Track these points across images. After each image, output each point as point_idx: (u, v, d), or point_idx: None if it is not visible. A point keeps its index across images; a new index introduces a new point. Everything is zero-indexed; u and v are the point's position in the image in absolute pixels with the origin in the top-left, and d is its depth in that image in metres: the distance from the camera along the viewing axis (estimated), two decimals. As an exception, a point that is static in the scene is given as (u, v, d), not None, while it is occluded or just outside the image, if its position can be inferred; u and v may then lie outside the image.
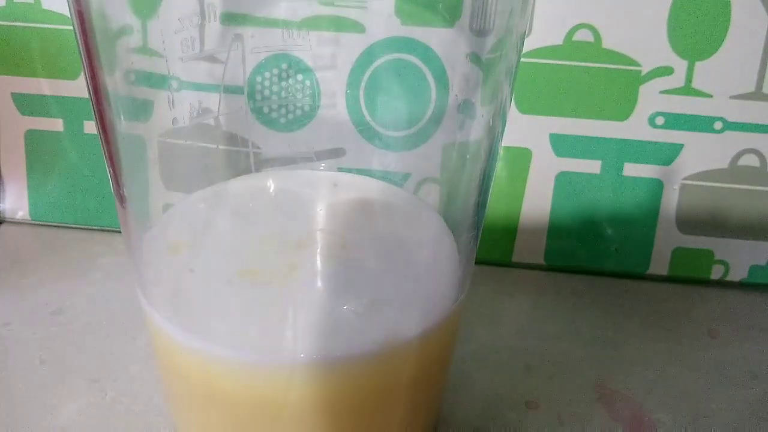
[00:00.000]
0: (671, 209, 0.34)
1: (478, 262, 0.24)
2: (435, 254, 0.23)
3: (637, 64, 0.32)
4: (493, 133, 0.21)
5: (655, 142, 0.33)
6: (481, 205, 0.22)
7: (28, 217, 0.36)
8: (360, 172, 0.26)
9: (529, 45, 0.32)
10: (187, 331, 0.20)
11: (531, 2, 0.22)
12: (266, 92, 0.26)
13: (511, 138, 0.33)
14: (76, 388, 0.27)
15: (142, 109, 0.22)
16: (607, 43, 0.32)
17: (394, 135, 0.26)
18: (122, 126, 0.20)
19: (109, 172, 0.20)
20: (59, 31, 0.33)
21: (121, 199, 0.20)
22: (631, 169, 0.34)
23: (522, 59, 0.31)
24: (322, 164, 0.26)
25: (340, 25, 0.25)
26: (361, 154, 0.27)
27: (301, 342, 0.19)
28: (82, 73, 0.21)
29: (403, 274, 0.22)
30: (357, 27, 0.26)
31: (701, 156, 0.33)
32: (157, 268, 0.22)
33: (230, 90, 0.25)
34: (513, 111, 0.33)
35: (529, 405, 0.28)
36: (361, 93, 0.26)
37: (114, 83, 0.20)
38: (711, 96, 0.32)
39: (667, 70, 0.32)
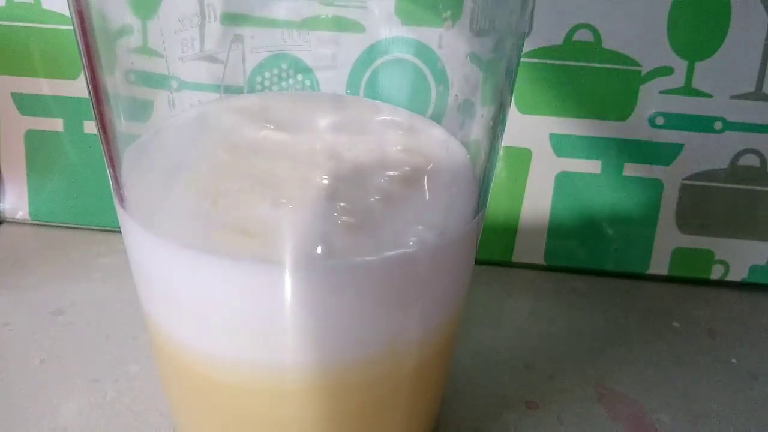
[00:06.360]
0: (671, 209, 0.34)
1: (478, 262, 0.24)
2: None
3: (637, 64, 0.32)
4: (493, 133, 0.21)
5: (655, 142, 0.33)
6: (481, 205, 0.22)
7: (28, 217, 0.36)
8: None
9: (529, 45, 0.32)
10: (185, 329, 0.20)
11: (531, 2, 0.22)
12: (266, 92, 0.26)
13: (511, 138, 0.33)
14: (76, 388, 0.27)
15: (142, 109, 0.22)
16: (607, 43, 0.32)
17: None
18: (122, 126, 0.20)
19: (109, 172, 0.20)
20: (59, 31, 0.33)
21: (121, 199, 0.20)
22: (631, 169, 0.33)
23: (522, 59, 0.31)
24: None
25: (340, 25, 0.25)
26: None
27: (302, 339, 0.19)
28: (82, 73, 0.21)
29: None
30: (357, 27, 0.26)
31: (701, 156, 0.33)
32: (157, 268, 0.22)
33: (230, 90, 0.25)
34: (513, 111, 0.33)
35: (529, 405, 0.28)
36: (361, 93, 0.26)
37: (114, 83, 0.20)
38: (711, 96, 0.32)
39: (667, 70, 0.32)
